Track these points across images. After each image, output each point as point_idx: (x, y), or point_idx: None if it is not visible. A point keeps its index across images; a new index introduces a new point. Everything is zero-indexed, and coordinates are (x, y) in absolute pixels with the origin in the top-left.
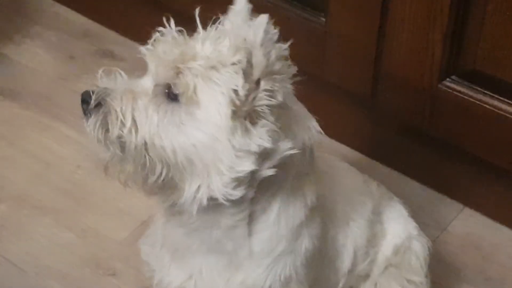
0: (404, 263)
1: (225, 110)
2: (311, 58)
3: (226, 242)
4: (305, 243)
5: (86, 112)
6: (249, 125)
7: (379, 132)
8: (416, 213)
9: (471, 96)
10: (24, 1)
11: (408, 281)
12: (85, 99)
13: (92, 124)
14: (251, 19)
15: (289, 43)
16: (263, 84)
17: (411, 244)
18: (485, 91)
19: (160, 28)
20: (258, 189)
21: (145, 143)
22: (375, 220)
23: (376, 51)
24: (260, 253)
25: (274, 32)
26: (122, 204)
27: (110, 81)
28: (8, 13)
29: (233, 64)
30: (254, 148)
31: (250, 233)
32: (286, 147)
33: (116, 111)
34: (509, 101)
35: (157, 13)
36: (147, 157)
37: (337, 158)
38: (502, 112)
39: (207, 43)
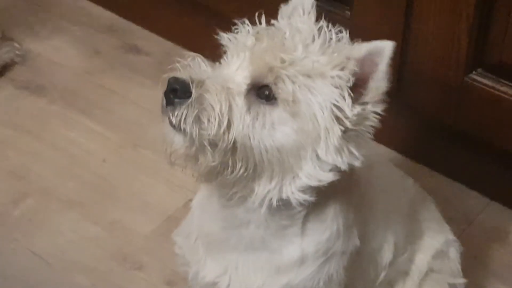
0: (445, 268)
1: (322, 123)
2: None
3: (273, 241)
4: (355, 242)
5: (172, 101)
6: (346, 143)
7: (405, 126)
8: (443, 207)
9: (497, 89)
10: None
11: (451, 284)
12: (174, 87)
13: (182, 116)
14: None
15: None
16: (371, 107)
17: (448, 249)
18: None
19: (247, 22)
20: (317, 191)
21: (235, 143)
22: (412, 216)
23: (402, 44)
24: (315, 254)
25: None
26: (148, 197)
27: (198, 70)
28: (33, 8)
29: (332, 77)
30: (344, 166)
31: (302, 233)
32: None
33: (214, 109)
34: None
35: (182, 7)
36: (231, 155)
37: (372, 152)
38: None
39: (308, 50)
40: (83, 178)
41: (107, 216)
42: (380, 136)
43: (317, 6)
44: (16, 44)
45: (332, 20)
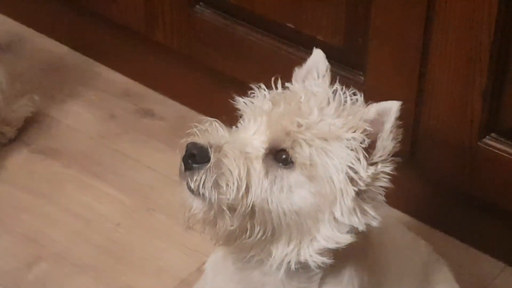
0: None
1: (338, 185)
2: None
3: None
4: None
5: (191, 166)
6: (361, 204)
7: (418, 189)
8: (456, 271)
9: (511, 154)
10: (66, 61)
11: None
12: (192, 152)
13: (200, 181)
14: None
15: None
16: (380, 167)
17: None
18: None
19: (263, 87)
20: (334, 253)
21: (253, 207)
22: (425, 278)
23: (415, 109)
24: None
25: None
26: (161, 262)
27: (215, 135)
28: (49, 73)
29: (348, 140)
30: (362, 227)
31: None
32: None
33: (232, 174)
34: None
35: (197, 72)
36: (249, 219)
37: (385, 214)
38: None
39: (323, 113)
40: (97, 242)
41: (120, 280)
42: (394, 199)
43: (331, 70)
44: (34, 96)
45: (346, 84)
